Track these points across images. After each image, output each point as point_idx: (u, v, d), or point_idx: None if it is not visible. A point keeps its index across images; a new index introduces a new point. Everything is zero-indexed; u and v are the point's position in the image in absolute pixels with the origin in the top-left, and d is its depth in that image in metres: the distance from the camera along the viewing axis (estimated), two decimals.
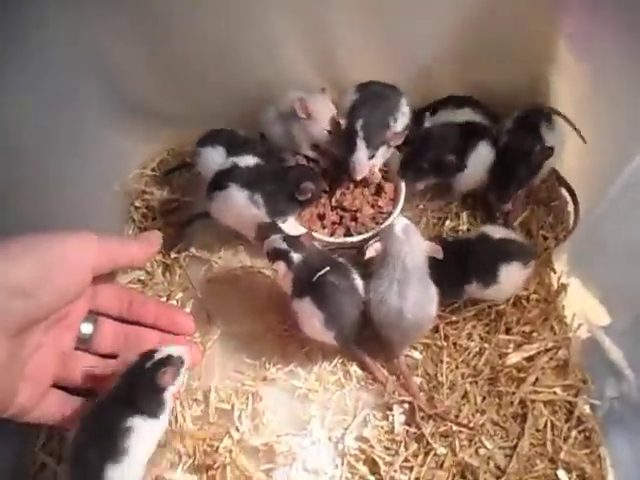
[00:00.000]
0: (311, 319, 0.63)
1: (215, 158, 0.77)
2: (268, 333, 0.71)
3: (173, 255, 0.79)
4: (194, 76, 0.79)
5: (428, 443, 0.62)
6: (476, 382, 0.67)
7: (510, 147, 0.75)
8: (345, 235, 0.76)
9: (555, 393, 0.66)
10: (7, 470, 0.63)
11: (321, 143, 0.77)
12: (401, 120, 0.76)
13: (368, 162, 0.73)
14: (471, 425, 0.63)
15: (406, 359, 0.68)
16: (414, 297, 0.62)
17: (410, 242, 0.63)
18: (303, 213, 0.77)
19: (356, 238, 0.75)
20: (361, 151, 0.71)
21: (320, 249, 0.68)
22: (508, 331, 0.71)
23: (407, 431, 0.64)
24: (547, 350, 0.69)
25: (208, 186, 0.72)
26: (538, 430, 0.64)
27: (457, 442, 0.62)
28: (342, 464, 0.62)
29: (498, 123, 0.81)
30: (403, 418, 0.65)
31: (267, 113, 0.80)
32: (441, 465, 0.61)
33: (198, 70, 0.78)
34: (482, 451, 0.62)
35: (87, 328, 0.60)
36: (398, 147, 0.78)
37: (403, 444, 0.63)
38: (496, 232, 0.69)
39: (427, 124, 0.77)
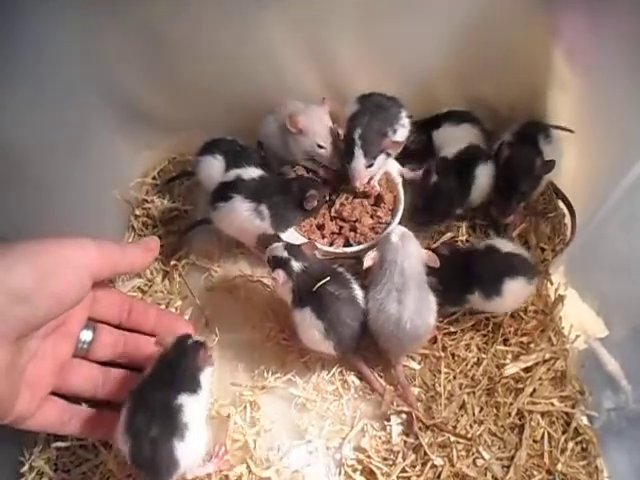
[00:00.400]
0: (310, 329, 0.63)
1: (215, 167, 0.78)
2: (267, 342, 0.71)
3: (173, 263, 0.79)
4: (195, 85, 0.80)
5: (426, 453, 0.62)
6: (474, 393, 0.67)
7: (511, 162, 0.75)
8: (344, 245, 0.77)
9: (552, 404, 0.66)
10: (3, 477, 0.63)
11: (314, 156, 0.78)
12: (400, 131, 0.77)
13: (366, 170, 0.73)
14: (469, 436, 0.63)
15: (404, 369, 0.68)
16: (413, 305, 0.62)
17: (407, 250, 0.64)
18: (302, 223, 0.77)
19: (355, 248, 0.75)
20: (359, 159, 0.72)
21: (320, 259, 0.68)
22: (506, 342, 0.71)
23: (405, 441, 0.64)
24: (545, 361, 0.69)
25: (211, 196, 0.72)
26: (535, 441, 0.64)
27: (455, 452, 0.62)
28: (339, 474, 0.62)
29: (491, 139, 0.82)
30: (401, 428, 0.65)
31: (267, 124, 0.81)
32: (438, 476, 0.61)
33: (199, 79, 0.79)
34: (480, 462, 0.62)
35: (86, 335, 0.60)
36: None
37: (401, 454, 0.63)
38: (504, 246, 0.69)
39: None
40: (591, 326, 0.72)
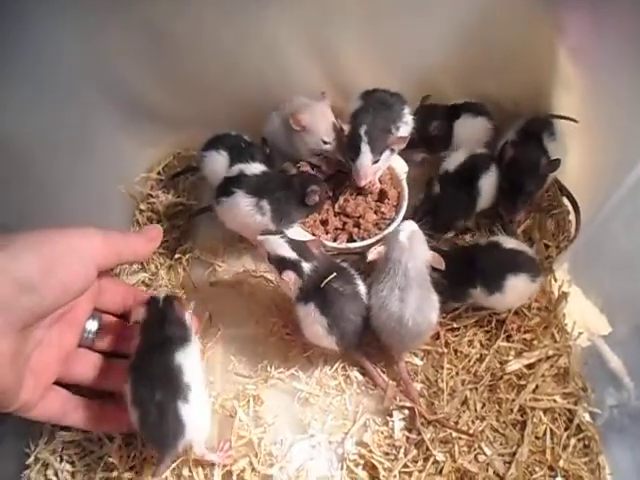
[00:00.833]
0: (314, 324, 0.63)
1: (219, 162, 0.78)
2: (270, 337, 0.72)
3: (177, 257, 0.79)
4: (199, 82, 0.80)
5: (428, 449, 0.62)
6: (476, 389, 0.67)
7: (516, 162, 0.75)
8: (348, 241, 0.77)
9: (555, 401, 0.66)
10: (9, 468, 0.63)
11: (320, 152, 0.78)
12: (404, 127, 0.77)
13: (372, 167, 0.73)
14: (470, 432, 0.63)
15: (407, 365, 0.68)
16: (415, 303, 0.62)
17: (413, 250, 0.63)
18: (306, 219, 0.77)
19: (359, 244, 0.75)
20: (366, 156, 0.72)
21: (325, 254, 0.68)
22: (509, 339, 0.71)
23: (407, 437, 0.64)
24: (547, 358, 0.69)
25: (215, 191, 0.72)
26: (537, 437, 0.64)
27: (456, 448, 0.62)
28: (342, 468, 0.62)
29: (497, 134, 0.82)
30: (403, 424, 0.65)
31: (271, 120, 0.81)
32: (440, 471, 0.61)
33: (203, 76, 0.79)
34: (481, 457, 0.62)
35: (92, 325, 0.61)
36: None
37: (403, 450, 0.63)
38: (507, 242, 0.69)
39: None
40: (594, 323, 0.72)
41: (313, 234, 0.76)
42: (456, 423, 0.64)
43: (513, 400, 0.66)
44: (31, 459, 0.64)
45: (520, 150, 0.76)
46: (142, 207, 0.86)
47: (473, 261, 0.67)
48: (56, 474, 0.63)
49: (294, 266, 0.63)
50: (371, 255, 0.65)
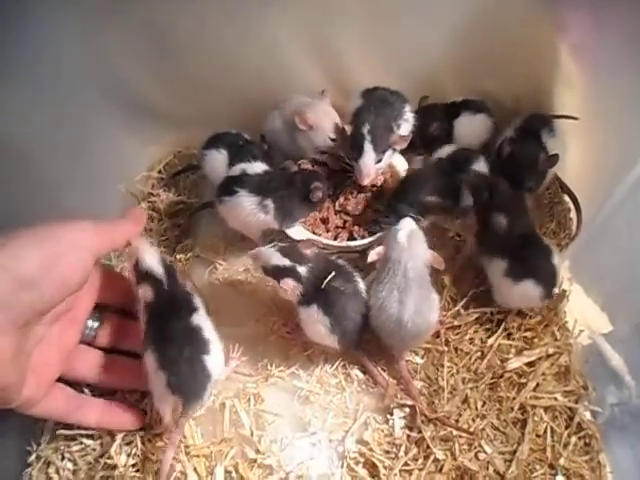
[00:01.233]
0: (316, 324, 0.63)
1: (219, 161, 0.79)
2: (270, 335, 0.72)
3: (178, 256, 0.79)
4: (200, 80, 0.80)
5: (428, 447, 0.62)
6: (477, 387, 0.67)
7: (514, 159, 0.75)
8: (348, 239, 0.77)
9: (556, 399, 0.66)
10: (11, 466, 0.64)
11: (326, 149, 0.78)
12: (405, 125, 0.76)
13: (375, 166, 0.73)
14: (471, 430, 0.63)
15: (407, 363, 0.68)
16: (414, 306, 0.62)
17: (413, 251, 0.63)
18: (307, 217, 0.77)
19: (360, 242, 0.75)
20: (369, 155, 0.72)
21: (320, 253, 0.68)
22: (509, 336, 0.71)
23: (407, 435, 0.64)
24: (548, 356, 0.69)
25: (217, 190, 0.73)
26: (538, 436, 0.64)
27: (457, 446, 0.62)
28: (342, 466, 0.63)
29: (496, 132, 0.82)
30: (403, 422, 0.65)
31: (271, 119, 0.81)
32: (440, 469, 0.61)
33: (204, 75, 0.80)
34: (482, 456, 0.62)
35: (93, 323, 0.62)
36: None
37: (403, 448, 0.63)
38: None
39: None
40: (595, 321, 0.72)
41: (314, 232, 0.76)
42: (457, 421, 0.64)
43: (514, 398, 0.66)
44: (33, 457, 0.64)
45: (518, 146, 0.75)
46: (143, 205, 0.86)
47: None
48: (58, 472, 0.63)
49: (290, 272, 0.63)
50: (371, 257, 0.65)
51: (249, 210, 0.70)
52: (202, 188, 0.87)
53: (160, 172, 0.91)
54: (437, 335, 0.70)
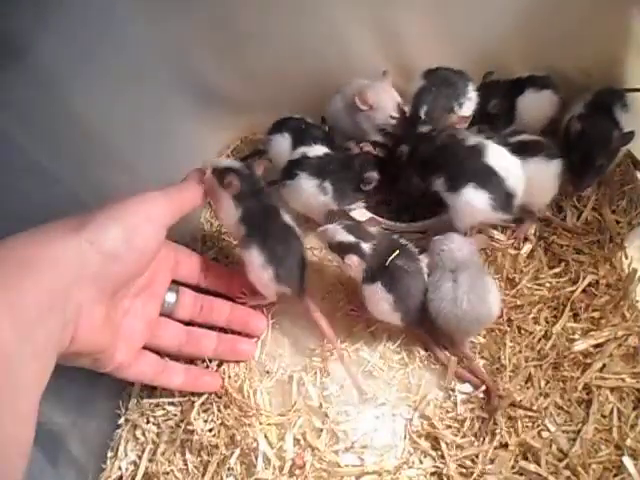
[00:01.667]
0: (380, 302, 0.65)
1: (284, 145, 0.81)
2: (336, 312, 0.74)
3: None
4: (264, 66, 0.82)
5: (495, 423, 0.63)
6: (540, 366, 0.67)
7: (585, 135, 0.72)
8: (410, 220, 0.78)
9: (623, 380, 0.65)
10: (103, 427, 0.71)
11: (388, 128, 0.79)
12: (467, 104, 0.76)
13: None
14: (534, 408, 0.64)
15: (469, 344, 0.69)
16: (468, 284, 0.63)
17: (454, 252, 0.65)
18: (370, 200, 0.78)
19: (421, 223, 0.76)
20: None
21: (383, 232, 0.69)
22: (576, 317, 0.70)
23: (469, 410, 0.65)
24: (616, 337, 0.67)
25: (280, 174, 0.76)
26: (604, 416, 0.63)
27: (520, 424, 0.63)
28: (405, 438, 0.65)
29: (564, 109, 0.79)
30: (466, 398, 0.66)
31: (334, 103, 0.82)
32: (504, 445, 0.62)
33: (268, 61, 0.81)
34: (545, 434, 0.63)
35: (171, 297, 0.68)
36: None
37: (467, 424, 0.64)
38: None
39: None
40: None
41: (376, 214, 0.77)
42: (520, 400, 0.64)
43: (578, 378, 0.65)
44: (122, 420, 0.70)
45: (589, 123, 0.72)
46: None
47: None
48: (144, 434, 0.69)
49: (354, 249, 0.64)
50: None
51: (309, 192, 0.73)
52: (269, 172, 0.90)
53: (228, 157, 0.95)
54: (499, 314, 0.70)
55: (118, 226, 0.52)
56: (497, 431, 0.62)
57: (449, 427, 0.65)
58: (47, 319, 0.44)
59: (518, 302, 0.71)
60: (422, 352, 0.70)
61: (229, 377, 0.70)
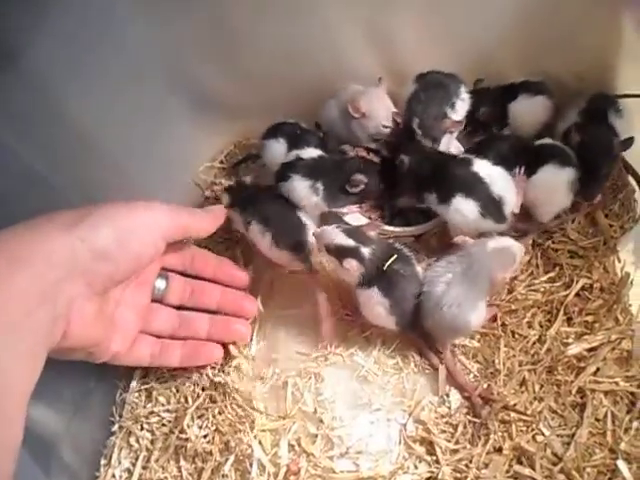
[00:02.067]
0: (376, 307, 0.65)
1: (279, 150, 0.81)
2: (331, 317, 0.74)
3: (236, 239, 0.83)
4: (259, 72, 0.82)
5: (486, 427, 0.63)
6: (534, 370, 0.67)
7: (587, 147, 0.72)
8: (404, 225, 0.78)
9: (617, 384, 0.65)
10: (96, 434, 0.70)
11: (380, 137, 0.79)
12: (461, 108, 0.76)
13: None
14: (528, 412, 0.64)
15: (463, 348, 0.69)
16: (457, 294, 0.63)
17: (491, 262, 0.64)
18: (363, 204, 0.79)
19: (415, 227, 0.76)
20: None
21: (379, 236, 0.69)
22: (569, 321, 0.70)
23: (464, 415, 0.65)
24: (610, 341, 0.68)
25: (274, 177, 0.76)
26: (598, 420, 0.63)
27: (514, 428, 0.63)
28: (400, 443, 0.65)
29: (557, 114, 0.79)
30: (460, 402, 0.66)
31: (328, 108, 0.83)
32: (498, 450, 0.62)
33: (262, 66, 0.81)
34: (539, 438, 0.63)
35: (161, 284, 0.68)
36: None
37: (460, 428, 0.64)
38: None
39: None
40: None
41: (369, 218, 0.78)
42: (514, 405, 0.64)
43: (572, 382, 0.65)
44: (116, 427, 0.70)
45: (589, 134, 0.72)
46: (207, 194, 0.91)
47: None
48: (138, 441, 0.69)
49: (354, 253, 0.64)
50: (458, 239, 0.66)
51: (303, 194, 0.73)
52: (262, 176, 0.90)
53: (222, 162, 0.95)
54: (494, 319, 0.70)
55: (110, 226, 0.52)
56: (491, 435, 0.63)
57: (444, 432, 0.65)
58: (36, 314, 0.44)
59: (512, 307, 0.71)
60: (417, 357, 0.70)
61: (223, 383, 0.69)
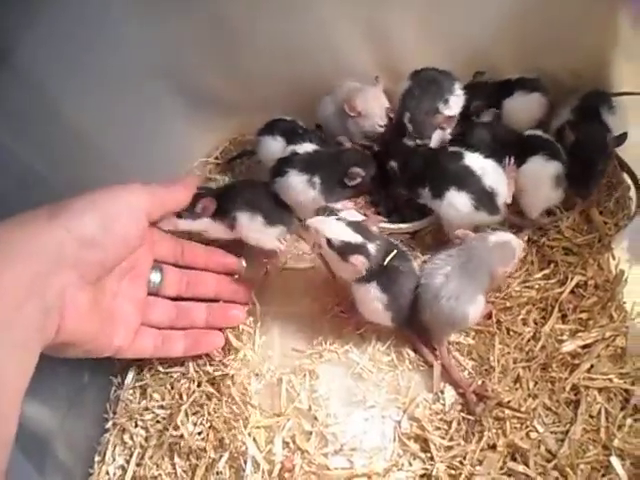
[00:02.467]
0: (373, 302, 0.65)
1: (274, 147, 0.81)
2: (325, 314, 0.74)
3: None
4: (255, 68, 0.82)
5: (480, 424, 0.63)
6: (529, 367, 0.67)
7: (581, 143, 0.72)
8: (399, 221, 0.78)
9: (611, 381, 0.65)
10: (90, 432, 0.70)
11: (375, 135, 0.79)
12: (454, 104, 0.76)
13: None
14: (522, 409, 0.64)
15: (457, 345, 0.69)
16: (455, 287, 0.63)
17: (493, 256, 0.64)
18: (357, 199, 0.78)
19: (411, 224, 0.76)
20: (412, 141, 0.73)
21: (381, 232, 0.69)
22: (564, 318, 0.70)
23: (458, 412, 0.65)
24: (604, 338, 0.68)
25: (270, 172, 0.75)
26: (591, 416, 0.64)
27: (508, 425, 0.63)
28: (394, 440, 0.65)
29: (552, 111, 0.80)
30: (454, 399, 0.66)
31: (324, 105, 0.82)
32: (492, 447, 0.62)
33: (258, 62, 0.81)
34: (533, 435, 0.63)
35: (156, 276, 0.68)
36: None
37: (454, 425, 0.64)
38: None
39: None
40: None
41: (364, 214, 0.77)
42: (508, 401, 0.64)
43: (566, 379, 0.65)
44: (110, 424, 0.70)
45: (583, 132, 0.73)
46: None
47: None
48: (132, 438, 0.69)
49: (361, 249, 0.62)
50: (459, 232, 0.66)
51: (299, 189, 0.72)
52: (257, 173, 0.90)
53: (217, 158, 0.95)
54: (489, 316, 0.70)
55: (94, 212, 0.52)
56: (485, 432, 0.63)
57: (438, 429, 0.65)
58: (25, 308, 0.44)
59: (507, 304, 0.71)
60: (411, 354, 0.70)
61: (219, 380, 0.69)
